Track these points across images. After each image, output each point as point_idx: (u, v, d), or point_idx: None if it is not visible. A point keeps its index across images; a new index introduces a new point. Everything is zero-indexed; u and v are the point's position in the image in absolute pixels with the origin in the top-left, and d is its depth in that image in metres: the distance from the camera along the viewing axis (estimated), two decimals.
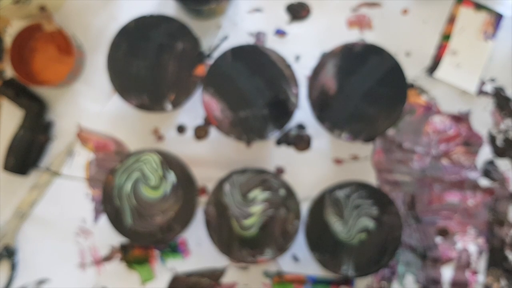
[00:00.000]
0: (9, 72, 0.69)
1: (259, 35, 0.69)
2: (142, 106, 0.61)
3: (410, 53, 0.69)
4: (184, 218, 0.60)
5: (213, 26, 0.69)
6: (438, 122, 0.69)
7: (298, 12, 0.70)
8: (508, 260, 0.68)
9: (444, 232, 0.68)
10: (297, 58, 0.69)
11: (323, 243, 0.59)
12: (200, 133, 0.69)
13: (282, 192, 0.60)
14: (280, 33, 0.69)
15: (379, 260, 0.59)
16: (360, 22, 0.69)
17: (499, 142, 0.69)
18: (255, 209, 0.59)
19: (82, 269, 0.68)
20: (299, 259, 0.67)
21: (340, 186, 0.60)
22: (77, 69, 0.67)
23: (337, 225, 0.59)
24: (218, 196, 0.60)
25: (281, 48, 0.64)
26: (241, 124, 0.60)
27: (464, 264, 0.68)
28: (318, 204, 0.60)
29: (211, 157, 0.68)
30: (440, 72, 0.69)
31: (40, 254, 0.68)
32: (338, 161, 0.68)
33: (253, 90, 0.60)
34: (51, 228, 0.68)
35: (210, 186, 0.65)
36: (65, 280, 0.67)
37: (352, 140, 0.60)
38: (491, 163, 0.69)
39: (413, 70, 0.69)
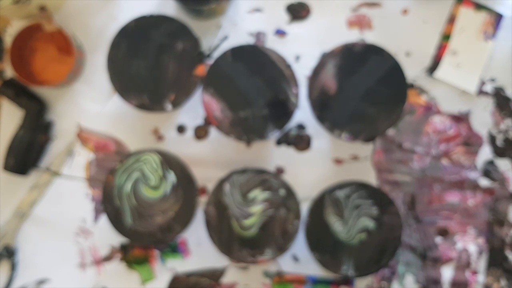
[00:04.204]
0: (9, 72, 0.69)
1: (259, 35, 0.69)
2: (142, 106, 0.61)
3: (410, 53, 0.69)
4: (184, 218, 0.60)
5: (213, 26, 0.69)
6: (438, 122, 0.69)
7: (298, 12, 0.70)
8: (508, 260, 0.68)
9: (444, 232, 0.68)
10: (297, 58, 0.69)
11: (323, 243, 0.59)
12: (200, 133, 0.69)
13: (282, 192, 0.60)
14: (280, 33, 0.69)
15: (379, 260, 0.59)
16: (360, 22, 0.69)
17: (499, 142, 0.69)
18: (255, 209, 0.59)
19: (82, 269, 0.68)
20: (299, 259, 0.67)
21: (340, 186, 0.60)
22: (77, 69, 0.67)
23: (337, 225, 0.59)
24: (218, 196, 0.60)
25: (281, 48, 0.64)
26: (241, 124, 0.60)
27: (464, 264, 0.68)
28: (318, 204, 0.60)
29: (211, 157, 0.68)
30: (440, 72, 0.69)
31: (40, 254, 0.68)
32: (338, 161, 0.68)
33: (253, 90, 0.60)
34: (51, 228, 0.68)
35: (210, 186, 0.65)
36: (65, 280, 0.67)
37: (352, 140, 0.60)
38: (491, 163, 0.69)
39: (413, 70, 0.69)
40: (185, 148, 0.68)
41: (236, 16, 0.69)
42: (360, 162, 0.68)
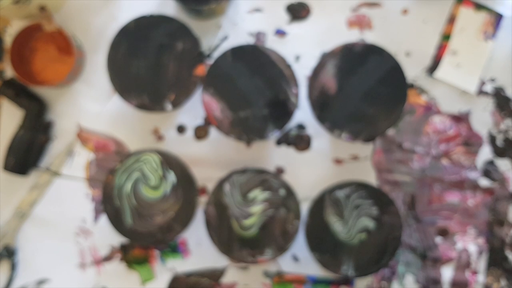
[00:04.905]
0: (9, 72, 0.69)
1: (259, 35, 0.69)
2: (142, 106, 0.61)
3: (410, 53, 0.69)
4: (184, 218, 0.60)
5: (213, 26, 0.69)
6: (438, 122, 0.69)
7: (298, 12, 0.70)
8: (508, 260, 0.68)
9: (444, 232, 0.68)
10: (297, 58, 0.69)
11: (323, 243, 0.59)
12: (200, 133, 0.69)
13: (282, 192, 0.60)
14: (280, 33, 0.69)
15: (379, 260, 0.59)
16: (360, 22, 0.69)
17: (499, 142, 0.69)
18: (255, 209, 0.59)
19: (82, 269, 0.68)
20: (299, 259, 0.67)
21: (340, 186, 0.60)
22: (77, 69, 0.67)
23: (337, 225, 0.59)
24: (218, 196, 0.60)
25: (281, 48, 0.64)
26: (241, 124, 0.60)
27: (464, 264, 0.68)
28: (318, 204, 0.60)
29: (211, 157, 0.68)
30: (440, 72, 0.69)
31: (40, 254, 0.68)
32: (338, 161, 0.68)
33: (253, 90, 0.60)
34: (51, 228, 0.68)
35: (210, 186, 0.65)
36: (65, 280, 0.67)
37: (352, 140, 0.60)
38: (491, 163, 0.69)
39: (413, 70, 0.69)
40: (185, 148, 0.68)
41: (236, 16, 0.69)
42: (360, 162, 0.68)
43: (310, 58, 0.68)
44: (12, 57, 0.65)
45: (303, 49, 0.69)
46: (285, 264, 0.67)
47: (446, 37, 0.69)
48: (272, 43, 0.69)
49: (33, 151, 0.67)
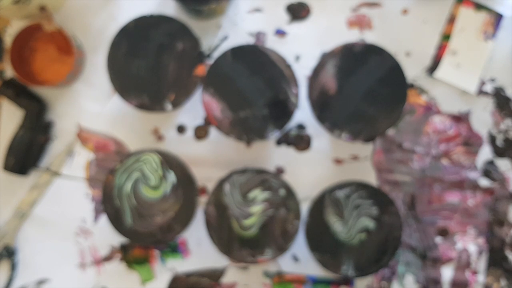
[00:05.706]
0: (9, 72, 0.69)
1: (259, 35, 0.69)
2: (142, 106, 0.61)
3: (410, 53, 0.69)
4: (184, 218, 0.60)
5: (213, 26, 0.69)
6: (438, 122, 0.69)
7: (298, 12, 0.70)
8: (508, 260, 0.68)
9: (444, 232, 0.68)
10: (297, 58, 0.69)
11: (323, 243, 0.59)
12: (200, 133, 0.69)
13: (282, 192, 0.60)
14: (280, 33, 0.69)
15: (379, 260, 0.59)
16: (360, 22, 0.69)
17: (499, 142, 0.69)
18: (255, 209, 0.59)
19: (82, 269, 0.68)
20: (299, 259, 0.67)
21: (340, 186, 0.60)
22: (77, 69, 0.67)
23: (337, 225, 0.59)
24: (218, 196, 0.60)
25: (281, 48, 0.64)
26: (241, 124, 0.60)
27: (464, 264, 0.68)
28: (318, 204, 0.60)
29: (211, 157, 0.68)
30: (440, 72, 0.69)
31: (40, 254, 0.68)
32: (338, 161, 0.68)
33: (253, 90, 0.60)
34: (51, 228, 0.68)
35: (210, 186, 0.65)
36: (65, 280, 0.67)
37: (352, 140, 0.60)
38: (491, 163, 0.69)
39: (413, 70, 0.69)
40: (185, 148, 0.68)
41: (236, 16, 0.69)
42: (360, 162, 0.68)
43: (310, 58, 0.68)
44: (12, 57, 0.65)
45: (303, 49, 0.69)
46: (285, 264, 0.67)
47: (446, 37, 0.69)
48: (272, 43, 0.69)
49: (33, 151, 0.67)
